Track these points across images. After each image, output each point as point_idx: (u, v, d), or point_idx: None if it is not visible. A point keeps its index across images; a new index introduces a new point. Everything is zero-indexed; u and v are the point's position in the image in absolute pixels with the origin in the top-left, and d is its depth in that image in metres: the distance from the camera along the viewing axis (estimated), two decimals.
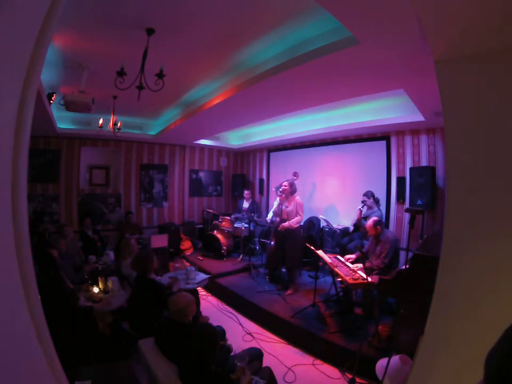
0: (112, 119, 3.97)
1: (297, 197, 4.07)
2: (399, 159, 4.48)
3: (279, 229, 4.09)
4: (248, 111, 4.03)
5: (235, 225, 5.73)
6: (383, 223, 3.41)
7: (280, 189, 4.14)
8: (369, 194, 4.18)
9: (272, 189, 4.94)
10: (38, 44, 0.77)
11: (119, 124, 4.14)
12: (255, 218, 5.95)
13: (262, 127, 6.11)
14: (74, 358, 1.94)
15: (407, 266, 2.49)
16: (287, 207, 4.06)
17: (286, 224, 4.00)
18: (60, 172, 5.50)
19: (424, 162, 4.15)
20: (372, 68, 2.34)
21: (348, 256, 3.55)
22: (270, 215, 4.89)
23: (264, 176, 7.05)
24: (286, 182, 4.13)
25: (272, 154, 6.88)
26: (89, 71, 3.10)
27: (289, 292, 3.99)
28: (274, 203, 4.43)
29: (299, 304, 3.62)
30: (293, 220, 3.99)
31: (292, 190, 4.08)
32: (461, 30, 1.13)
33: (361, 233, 4.33)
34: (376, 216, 3.93)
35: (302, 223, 4.15)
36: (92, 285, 3.04)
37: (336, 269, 3.07)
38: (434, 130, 4.05)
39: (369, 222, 3.38)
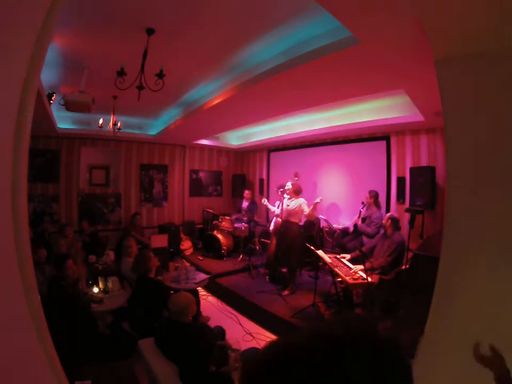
0: (112, 119, 3.97)
1: (301, 198, 4.08)
2: (399, 159, 4.47)
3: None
4: (248, 111, 4.03)
5: (235, 225, 5.73)
6: (396, 222, 3.37)
7: (282, 189, 4.14)
8: (372, 194, 4.11)
9: (274, 189, 4.92)
10: (38, 44, 0.77)
11: (119, 124, 4.14)
12: (255, 218, 5.95)
13: (262, 127, 6.11)
14: (74, 358, 1.94)
15: (407, 266, 2.50)
16: (288, 206, 4.07)
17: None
18: (60, 171, 5.50)
19: (424, 162, 4.14)
20: (372, 68, 2.33)
21: (344, 255, 3.54)
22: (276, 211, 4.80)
23: (264, 176, 7.04)
24: (289, 183, 4.15)
25: (272, 154, 6.87)
26: (89, 71, 3.10)
27: (286, 292, 3.99)
28: (276, 204, 4.44)
29: (299, 304, 3.61)
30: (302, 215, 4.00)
31: (295, 190, 4.09)
32: (461, 30, 1.13)
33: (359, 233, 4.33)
34: (375, 217, 3.94)
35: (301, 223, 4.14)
36: (92, 285, 3.04)
37: (336, 269, 3.07)
38: (434, 130, 4.04)
39: (387, 215, 3.45)
